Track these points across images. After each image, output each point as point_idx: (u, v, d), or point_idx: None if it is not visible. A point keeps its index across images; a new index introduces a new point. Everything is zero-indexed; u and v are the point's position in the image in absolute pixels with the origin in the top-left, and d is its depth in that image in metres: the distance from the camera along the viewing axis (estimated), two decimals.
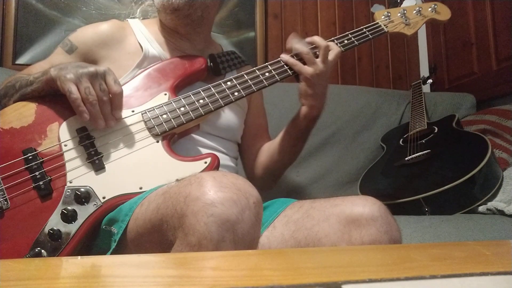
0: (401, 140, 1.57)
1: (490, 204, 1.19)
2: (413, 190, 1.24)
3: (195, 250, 0.54)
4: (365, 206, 0.74)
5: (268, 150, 1.03)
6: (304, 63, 0.90)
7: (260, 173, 1.04)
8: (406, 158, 1.39)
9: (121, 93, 0.79)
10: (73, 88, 0.75)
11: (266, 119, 1.14)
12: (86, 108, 0.75)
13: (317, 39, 0.92)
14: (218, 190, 0.57)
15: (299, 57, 0.92)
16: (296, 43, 0.92)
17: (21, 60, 1.66)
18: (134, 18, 1.03)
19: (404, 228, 0.82)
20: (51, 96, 0.82)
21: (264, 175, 1.04)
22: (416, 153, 1.38)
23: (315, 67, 0.89)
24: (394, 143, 1.60)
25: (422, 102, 1.69)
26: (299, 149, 1.02)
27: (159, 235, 0.63)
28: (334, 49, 0.92)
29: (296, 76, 0.93)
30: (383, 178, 1.47)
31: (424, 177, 1.29)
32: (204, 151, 0.89)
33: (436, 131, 1.49)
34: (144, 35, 0.97)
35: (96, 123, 0.77)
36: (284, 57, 0.93)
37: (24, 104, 0.83)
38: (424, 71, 2.18)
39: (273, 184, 1.08)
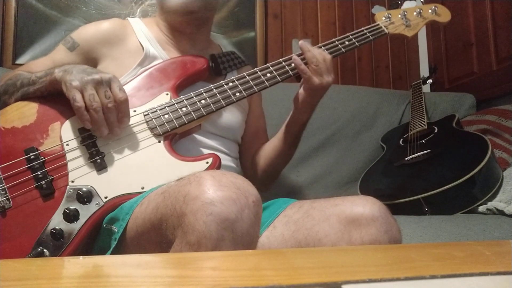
0: (401, 140, 1.57)
1: (490, 204, 1.19)
2: (413, 190, 1.24)
3: (195, 249, 0.55)
4: (365, 206, 0.74)
5: (264, 152, 1.05)
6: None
7: (258, 175, 1.05)
8: (406, 158, 1.39)
9: (126, 100, 0.78)
10: (78, 96, 0.75)
11: (265, 120, 1.14)
12: (89, 115, 0.75)
13: (317, 53, 0.90)
14: (217, 189, 0.57)
15: (304, 61, 0.92)
16: (310, 51, 0.90)
17: (21, 60, 1.66)
18: (134, 17, 1.02)
19: (404, 228, 0.82)
20: (53, 96, 0.82)
21: (262, 177, 1.05)
22: (416, 153, 1.38)
23: (322, 79, 0.90)
24: (394, 143, 1.60)
25: (422, 102, 1.69)
26: (293, 152, 1.04)
27: (159, 234, 0.64)
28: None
29: (297, 76, 0.93)
30: (383, 178, 1.47)
31: (424, 177, 1.29)
32: (205, 151, 0.90)
33: (436, 131, 1.49)
34: (145, 34, 0.97)
35: (100, 131, 0.77)
36: (297, 60, 0.92)
37: (25, 103, 0.83)
38: (424, 71, 2.17)
39: (270, 186, 1.10)
